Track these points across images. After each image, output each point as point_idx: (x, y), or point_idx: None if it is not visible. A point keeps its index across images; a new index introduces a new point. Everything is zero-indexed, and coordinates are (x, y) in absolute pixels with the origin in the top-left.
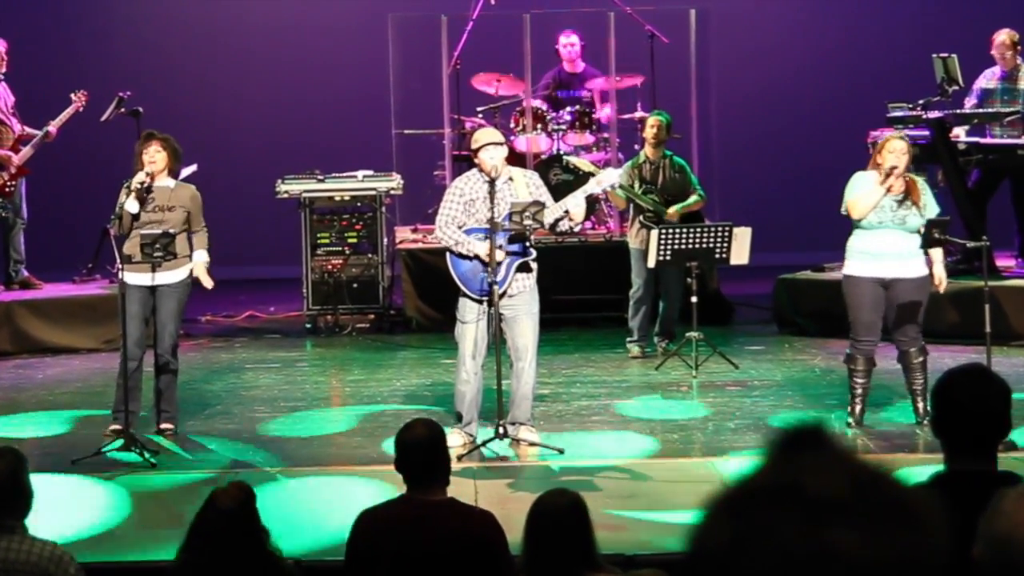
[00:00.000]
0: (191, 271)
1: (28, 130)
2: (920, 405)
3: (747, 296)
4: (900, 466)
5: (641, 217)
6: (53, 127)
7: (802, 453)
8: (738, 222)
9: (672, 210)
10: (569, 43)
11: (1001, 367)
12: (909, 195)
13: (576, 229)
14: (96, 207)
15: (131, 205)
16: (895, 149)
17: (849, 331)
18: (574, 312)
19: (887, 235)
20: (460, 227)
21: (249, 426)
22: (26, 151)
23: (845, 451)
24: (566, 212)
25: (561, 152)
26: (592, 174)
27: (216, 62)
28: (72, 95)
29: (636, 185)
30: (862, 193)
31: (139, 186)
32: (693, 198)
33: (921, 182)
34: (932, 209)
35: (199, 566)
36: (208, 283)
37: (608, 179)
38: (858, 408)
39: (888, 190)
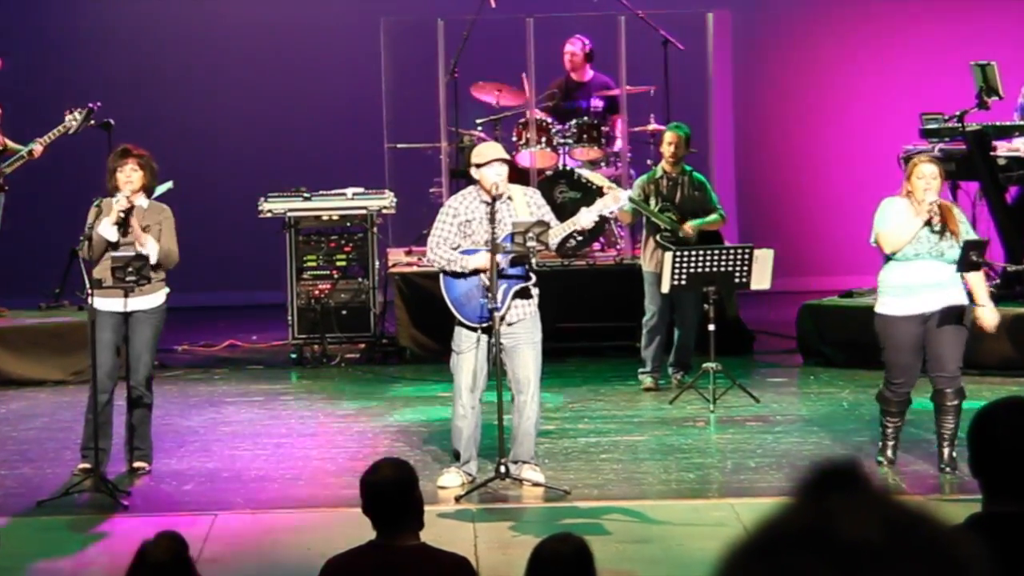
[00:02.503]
0: (167, 296)
1: (11, 144)
2: (946, 451)
3: (769, 324)
4: (937, 508)
5: (657, 236)
6: (39, 144)
7: (833, 494)
8: (759, 243)
9: (689, 225)
10: (570, 52)
11: None
12: (946, 224)
13: (580, 239)
14: (64, 226)
15: (109, 232)
16: (924, 175)
17: (883, 367)
18: (581, 341)
19: (924, 266)
20: (454, 249)
21: (229, 464)
22: (2, 167)
23: (879, 491)
24: (575, 230)
25: (567, 167)
26: (601, 191)
27: (193, 70)
28: (67, 113)
29: (652, 201)
30: (895, 225)
31: (122, 214)
32: (713, 216)
33: (957, 209)
34: (970, 232)
35: None
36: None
37: (622, 199)
38: (890, 449)
39: (929, 218)
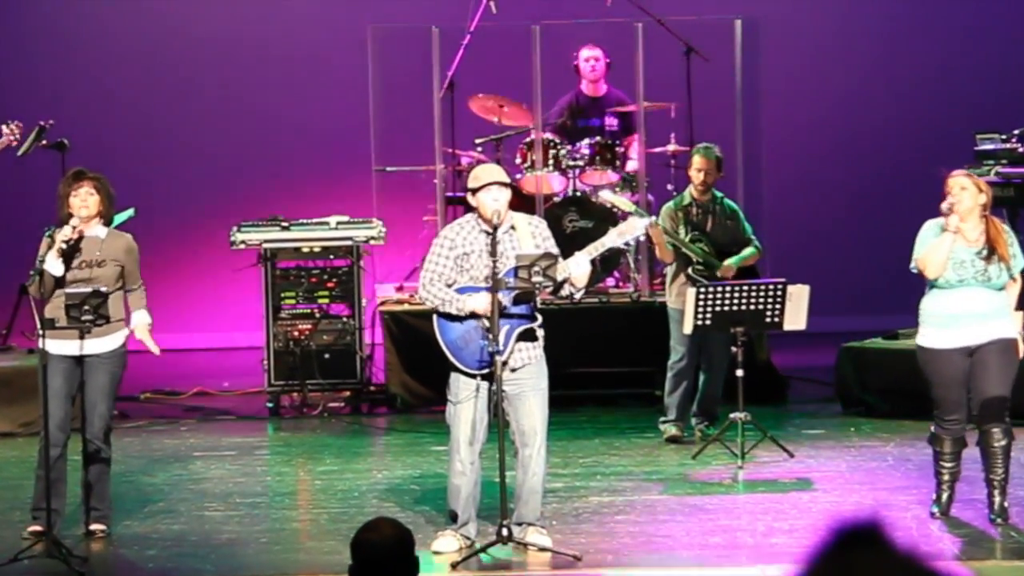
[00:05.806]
0: (126, 338)
1: None
2: (996, 500)
3: (804, 369)
4: (981, 570)
5: (689, 270)
6: None
7: (855, 552)
8: (793, 279)
9: (728, 263)
10: (592, 57)
11: None
12: (995, 247)
13: (578, 296)
14: (11, 260)
15: (54, 266)
16: (951, 187)
17: (932, 408)
18: (593, 388)
19: (969, 294)
20: (449, 285)
21: (198, 527)
22: None
23: (903, 551)
24: (567, 278)
25: (578, 193)
26: (621, 215)
27: (158, 84)
28: (3, 127)
29: (682, 231)
30: (930, 245)
31: (64, 245)
32: (749, 250)
33: (1007, 229)
34: (1021, 260)
35: None
36: (155, 348)
37: (632, 230)
38: (945, 496)
39: (956, 232)
